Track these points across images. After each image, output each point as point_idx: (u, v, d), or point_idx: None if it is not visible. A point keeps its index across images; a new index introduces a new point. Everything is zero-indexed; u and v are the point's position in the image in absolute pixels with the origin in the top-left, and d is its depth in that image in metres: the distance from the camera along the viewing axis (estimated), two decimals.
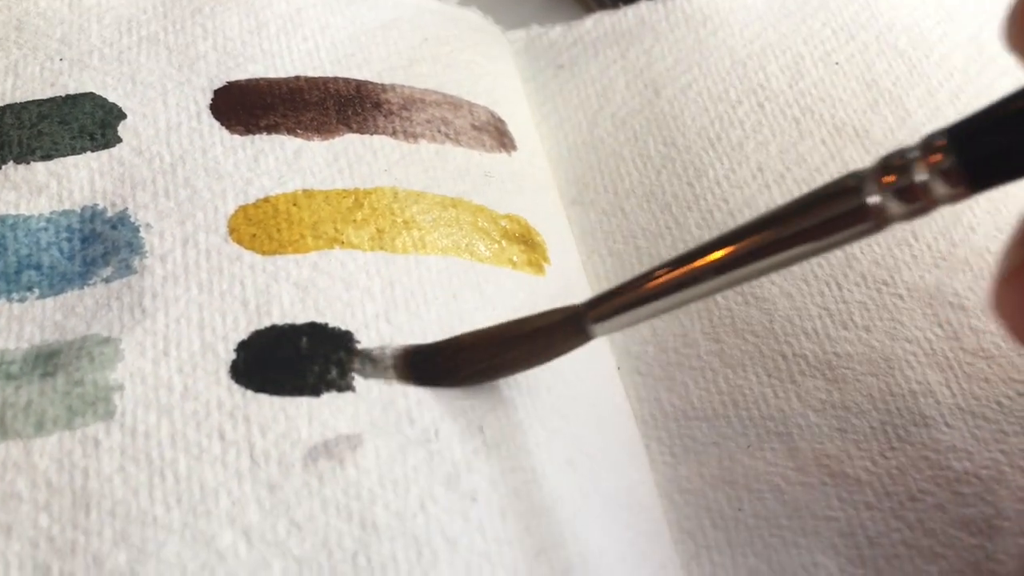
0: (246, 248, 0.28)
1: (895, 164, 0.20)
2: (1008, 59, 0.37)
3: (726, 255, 0.22)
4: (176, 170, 0.30)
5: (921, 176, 0.20)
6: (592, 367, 0.30)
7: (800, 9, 0.39)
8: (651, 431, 0.30)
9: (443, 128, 0.33)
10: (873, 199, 0.20)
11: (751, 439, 0.29)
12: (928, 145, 0.20)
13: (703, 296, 0.23)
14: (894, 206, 0.20)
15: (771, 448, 0.29)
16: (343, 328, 0.27)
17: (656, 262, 0.33)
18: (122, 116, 0.31)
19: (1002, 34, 0.21)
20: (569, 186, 0.36)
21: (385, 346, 0.27)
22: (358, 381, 0.26)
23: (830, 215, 0.21)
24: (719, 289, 0.22)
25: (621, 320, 0.24)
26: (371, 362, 0.26)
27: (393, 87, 0.34)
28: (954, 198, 0.20)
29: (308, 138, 0.32)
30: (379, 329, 0.27)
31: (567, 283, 0.32)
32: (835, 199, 0.21)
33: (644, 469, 0.29)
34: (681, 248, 0.33)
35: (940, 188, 0.20)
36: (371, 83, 0.34)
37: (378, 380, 0.26)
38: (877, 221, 0.20)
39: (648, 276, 0.23)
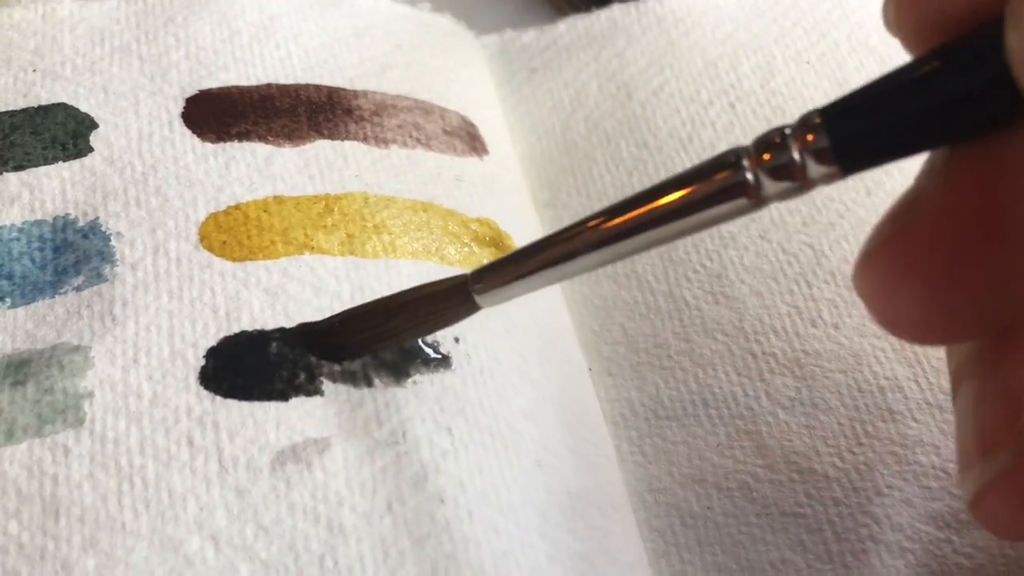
0: (216, 255, 0.29)
1: (773, 142, 0.20)
2: None
3: (606, 229, 0.22)
4: (147, 179, 0.30)
5: (795, 155, 0.20)
6: (562, 368, 0.30)
7: (771, 9, 0.39)
8: (621, 431, 0.30)
9: (414, 133, 0.34)
10: (749, 176, 0.20)
11: (721, 438, 0.29)
12: (804, 123, 0.20)
13: (586, 270, 0.23)
14: (769, 184, 0.20)
15: (740, 446, 0.29)
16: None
17: (628, 263, 0.33)
18: (94, 126, 0.32)
19: (883, 17, 0.21)
20: (542, 189, 0.36)
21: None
22: (327, 385, 0.26)
23: (707, 191, 0.21)
24: (602, 263, 0.23)
25: (507, 291, 0.24)
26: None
27: (365, 93, 0.34)
28: (828, 178, 0.20)
29: (279, 145, 0.32)
30: None
31: None
32: (713, 174, 0.21)
33: (613, 469, 0.29)
34: (652, 250, 0.33)
35: (814, 168, 0.20)
36: (343, 90, 0.34)
37: (345, 384, 0.26)
38: (753, 199, 0.20)
39: (533, 248, 0.24)
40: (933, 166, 0.20)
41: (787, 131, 0.20)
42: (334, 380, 0.26)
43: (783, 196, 0.20)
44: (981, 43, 0.18)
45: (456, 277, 0.25)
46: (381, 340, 0.27)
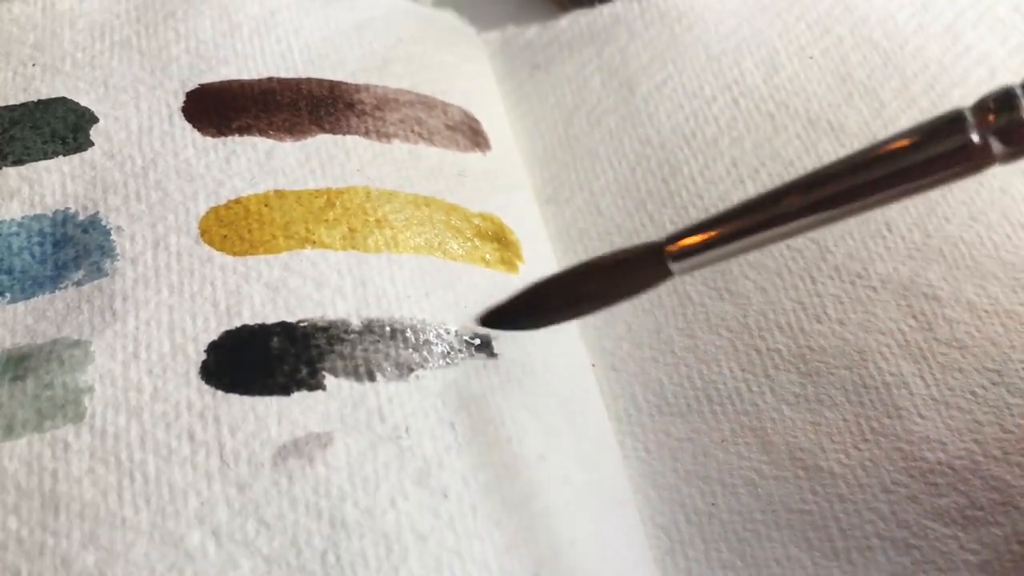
0: (217, 249, 0.28)
1: (998, 103, 0.19)
2: (983, 47, 0.37)
3: (816, 195, 0.21)
4: (148, 173, 0.30)
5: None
6: (565, 363, 0.30)
7: (775, 4, 0.39)
8: (625, 427, 0.30)
9: (416, 128, 0.33)
10: (976, 137, 0.19)
11: (725, 434, 0.29)
12: None
13: (787, 236, 0.22)
14: (996, 145, 0.19)
15: (745, 442, 0.29)
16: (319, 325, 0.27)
17: None
18: (94, 120, 0.31)
19: None
20: (544, 184, 0.36)
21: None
22: (329, 379, 0.26)
23: (932, 154, 0.20)
24: (806, 229, 0.21)
25: (704, 257, 0.23)
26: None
27: (367, 87, 0.34)
28: None
29: (280, 139, 0.32)
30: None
31: None
32: (937, 138, 0.20)
33: (617, 464, 0.29)
34: None
35: None
36: (344, 84, 0.34)
37: (348, 378, 0.26)
38: (979, 160, 0.20)
39: (732, 214, 0.22)
40: None
41: (1017, 91, 0.19)
42: (336, 375, 0.26)
43: (1007, 159, 0.20)
44: None
45: (651, 243, 0.24)
46: (573, 307, 0.26)
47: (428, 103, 0.35)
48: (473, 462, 0.25)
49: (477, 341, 0.28)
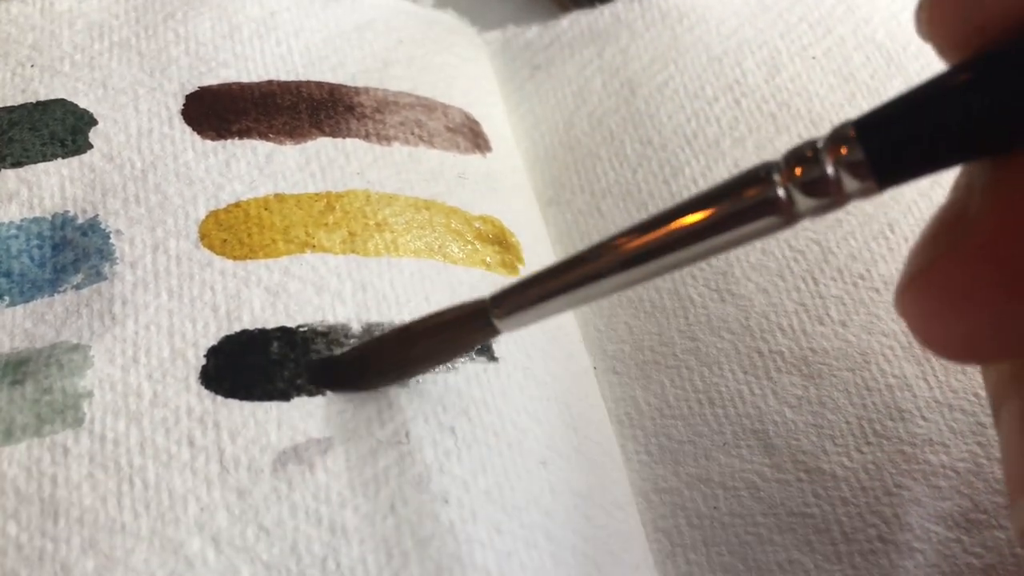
0: (216, 254, 0.28)
1: (805, 156, 0.19)
2: None
3: (631, 249, 0.21)
4: (147, 176, 0.30)
5: (830, 168, 0.19)
6: (566, 367, 0.30)
7: (777, 4, 0.39)
8: (627, 430, 0.30)
9: (417, 130, 0.33)
10: (781, 191, 0.19)
11: (727, 437, 0.29)
12: (837, 136, 0.19)
13: (609, 292, 0.22)
14: (802, 200, 0.19)
15: (747, 445, 0.29)
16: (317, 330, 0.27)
17: None
18: (93, 122, 0.31)
19: (915, 24, 0.20)
20: (545, 187, 0.36)
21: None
22: None
23: (736, 208, 0.19)
24: (628, 284, 0.21)
25: (527, 315, 0.23)
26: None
27: (367, 90, 0.34)
28: (864, 192, 0.19)
29: (280, 142, 0.31)
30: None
31: None
32: (742, 191, 0.19)
33: (618, 468, 0.29)
34: None
35: (849, 182, 0.19)
36: (344, 86, 0.34)
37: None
38: (786, 216, 0.19)
39: (554, 271, 0.22)
40: (972, 180, 0.19)
41: (819, 144, 0.19)
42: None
43: (816, 212, 0.19)
44: (1019, 51, 0.17)
45: (475, 302, 0.24)
46: (402, 369, 0.26)
47: (428, 105, 0.34)
48: (474, 467, 0.25)
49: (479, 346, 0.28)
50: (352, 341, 0.27)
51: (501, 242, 0.31)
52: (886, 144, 0.18)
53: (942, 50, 0.19)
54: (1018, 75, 0.17)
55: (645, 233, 0.21)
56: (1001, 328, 0.18)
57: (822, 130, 0.35)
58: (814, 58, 0.37)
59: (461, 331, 0.25)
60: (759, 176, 0.19)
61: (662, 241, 0.20)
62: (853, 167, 0.18)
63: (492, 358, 0.28)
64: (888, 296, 0.31)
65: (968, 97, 0.18)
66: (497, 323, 0.24)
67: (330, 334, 0.27)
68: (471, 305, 0.24)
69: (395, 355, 0.26)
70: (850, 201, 0.19)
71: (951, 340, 0.19)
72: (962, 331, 0.19)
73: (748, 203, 0.19)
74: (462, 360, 0.27)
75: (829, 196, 0.19)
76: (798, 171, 0.19)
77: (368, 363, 0.26)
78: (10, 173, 0.30)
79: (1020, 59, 0.17)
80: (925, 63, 0.37)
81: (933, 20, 0.19)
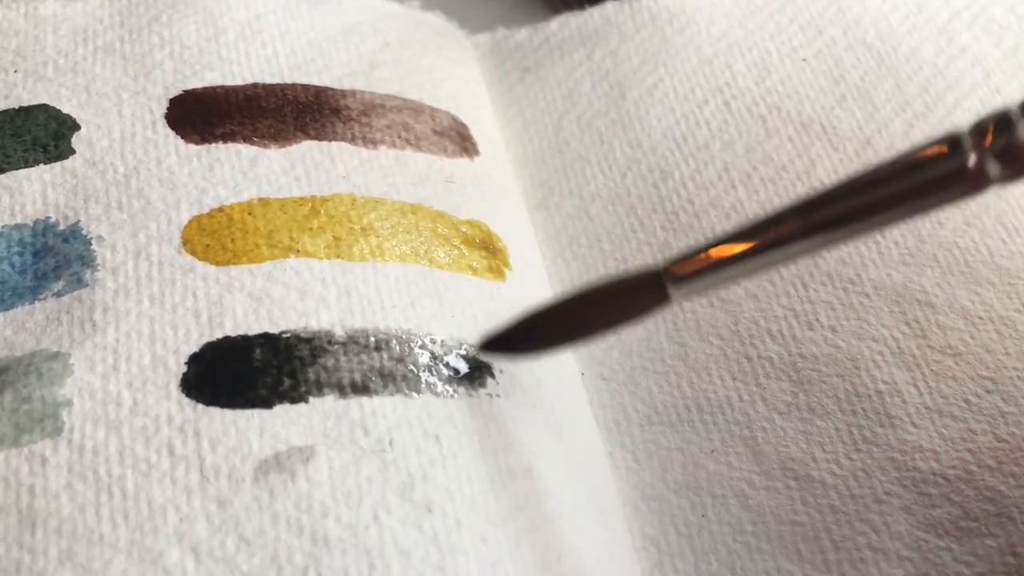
0: (199, 259, 0.28)
1: (995, 125, 0.19)
2: (977, 49, 0.36)
3: (818, 219, 0.21)
4: (130, 181, 0.30)
5: (1021, 137, 0.19)
6: (554, 373, 0.29)
7: (767, 5, 0.39)
8: (615, 437, 0.29)
9: (403, 134, 0.33)
10: (972, 161, 0.19)
11: (715, 444, 0.28)
12: None
13: (788, 260, 0.22)
14: (994, 168, 0.19)
15: (735, 452, 0.28)
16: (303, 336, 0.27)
17: (621, 265, 0.33)
18: (76, 127, 0.31)
19: None
20: (534, 190, 0.36)
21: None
22: (311, 392, 0.26)
23: (927, 177, 0.20)
24: (804, 253, 0.21)
25: (702, 282, 0.23)
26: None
27: (353, 93, 0.34)
28: None
29: (265, 146, 0.31)
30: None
31: (529, 289, 0.31)
32: (932, 161, 0.20)
33: (606, 476, 0.28)
34: (646, 251, 0.33)
35: None
36: (330, 89, 0.34)
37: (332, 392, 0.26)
38: (975, 183, 0.20)
39: (730, 238, 0.22)
40: None
41: (1012, 113, 0.19)
42: (319, 387, 0.26)
43: (1005, 180, 0.19)
44: None
45: (648, 268, 0.23)
46: (569, 335, 0.25)
47: (415, 108, 0.34)
48: (458, 475, 0.25)
49: (463, 352, 0.28)
50: (335, 348, 0.27)
51: (488, 247, 0.31)
52: None
53: None
54: None
55: (828, 203, 0.21)
56: None
57: (812, 133, 0.34)
58: (804, 60, 0.37)
59: (633, 296, 0.24)
60: (948, 146, 0.20)
61: (846, 212, 0.20)
62: None
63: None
64: (878, 301, 0.30)
65: None
66: (671, 290, 0.23)
67: (313, 340, 0.27)
68: (644, 272, 0.23)
69: (565, 320, 0.25)
70: None
71: None
72: None
73: (939, 172, 0.20)
74: (447, 367, 0.27)
75: (1019, 163, 0.19)
76: (987, 140, 0.19)
77: (539, 327, 0.26)
78: None
79: None
80: (917, 65, 0.36)
81: None
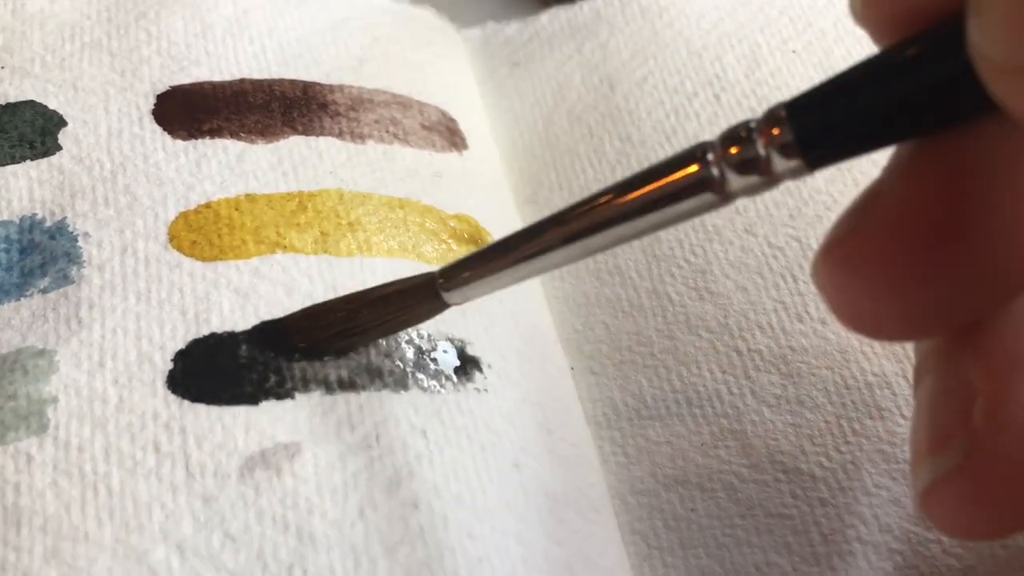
0: (186, 255, 0.28)
1: (739, 136, 0.19)
2: None
3: (573, 224, 0.22)
4: (116, 177, 0.30)
5: (760, 149, 0.19)
6: (542, 367, 0.29)
7: None
8: (604, 431, 0.29)
9: (392, 128, 0.33)
10: (714, 170, 0.20)
11: (705, 437, 0.28)
12: (770, 117, 0.19)
13: (554, 266, 0.23)
14: (734, 179, 0.20)
15: (725, 446, 0.28)
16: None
17: (610, 259, 0.33)
18: (63, 123, 0.31)
19: (850, 9, 0.20)
20: (524, 185, 0.35)
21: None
22: (297, 388, 0.26)
23: (673, 186, 0.20)
24: (571, 259, 0.22)
25: (474, 288, 0.24)
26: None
27: (341, 88, 0.34)
28: (794, 173, 0.19)
29: (252, 141, 0.31)
30: None
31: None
32: (678, 169, 0.20)
33: (594, 470, 0.28)
34: (635, 244, 0.33)
35: (779, 162, 0.19)
36: (318, 84, 0.34)
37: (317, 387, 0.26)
38: (719, 193, 0.20)
39: (501, 245, 0.23)
40: (897, 160, 0.19)
41: (752, 125, 0.19)
42: (306, 383, 0.26)
43: (750, 191, 0.20)
44: (946, 35, 0.17)
45: (424, 274, 0.25)
46: (347, 337, 0.26)
47: (404, 103, 0.34)
48: (445, 471, 0.25)
49: (451, 347, 0.27)
50: None
51: (476, 241, 0.31)
52: (815, 125, 0.19)
53: (874, 35, 0.20)
54: (943, 58, 0.17)
55: (585, 209, 0.21)
56: (906, 306, 0.19)
57: None
58: (794, 52, 0.37)
59: (410, 302, 0.25)
60: (695, 155, 0.20)
61: (602, 217, 0.21)
62: (784, 148, 0.19)
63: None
64: None
65: (893, 80, 0.18)
66: (445, 295, 0.24)
67: None
68: (420, 277, 0.25)
69: (341, 322, 0.26)
70: (782, 181, 0.19)
71: (858, 314, 0.20)
72: (868, 306, 0.19)
73: (684, 181, 0.20)
74: (434, 361, 0.27)
75: (760, 175, 0.19)
76: (733, 150, 0.19)
77: (313, 327, 0.26)
78: None
79: (946, 42, 0.17)
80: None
81: (866, 3, 0.19)
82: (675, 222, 0.21)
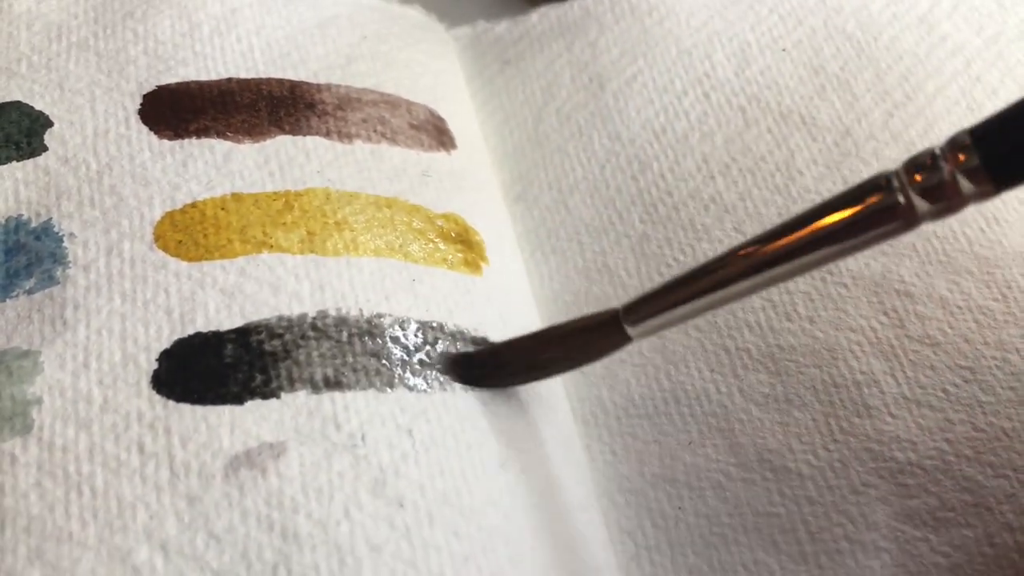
0: (171, 255, 0.28)
1: (923, 163, 0.21)
2: (958, 37, 0.36)
3: (757, 258, 0.22)
4: (102, 178, 0.30)
5: (947, 175, 0.20)
6: None
7: None
8: (592, 430, 0.29)
9: (379, 127, 0.33)
10: (901, 198, 0.21)
11: (693, 436, 0.28)
12: (954, 144, 0.20)
13: (738, 298, 0.23)
14: (922, 204, 0.21)
15: (713, 444, 0.28)
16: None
17: (599, 258, 0.33)
18: (49, 124, 0.31)
19: None
20: (513, 183, 0.35)
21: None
22: (283, 387, 0.25)
23: (860, 215, 0.21)
24: (752, 291, 0.23)
25: (658, 321, 0.24)
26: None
27: (329, 87, 0.34)
28: (981, 196, 0.20)
29: (239, 141, 0.31)
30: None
31: (505, 282, 0.31)
32: (864, 199, 0.21)
33: (582, 468, 0.28)
34: (624, 244, 0.33)
35: (966, 187, 0.20)
36: (306, 83, 0.33)
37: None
38: (907, 220, 0.21)
39: (682, 280, 0.24)
40: None
41: (937, 152, 0.20)
42: (291, 382, 0.26)
43: (935, 216, 0.21)
44: None
45: (608, 311, 0.25)
46: (532, 371, 0.27)
47: (392, 102, 0.34)
48: (431, 470, 0.25)
49: (438, 346, 0.27)
50: (308, 342, 0.26)
51: (464, 240, 0.31)
52: (1001, 150, 0.20)
53: None
54: None
55: (771, 241, 0.22)
56: None
57: (791, 123, 0.34)
58: (784, 50, 0.37)
59: (593, 338, 0.25)
60: (880, 184, 0.21)
61: (787, 249, 0.22)
62: (970, 173, 0.20)
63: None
64: (856, 291, 0.30)
65: None
66: (629, 330, 0.25)
67: (286, 335, 0.26)
68: (604, 314, 0.25)
69: (527, 357, 0.27)
70: (968, 205, 0.21)
71: None
72: None
73: (872, 209, 0.21)
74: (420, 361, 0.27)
75: (947, 200, 0.21)
76: (917, 178, 0.21)
77: (500, 363, 0.27)
78: None
79: None
80: (897, 54, 0.36)
81: None
82: (858, 250, 0.22)
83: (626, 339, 0.25)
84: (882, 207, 0.21)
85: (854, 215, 0.21)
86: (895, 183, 0.21)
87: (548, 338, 0.27)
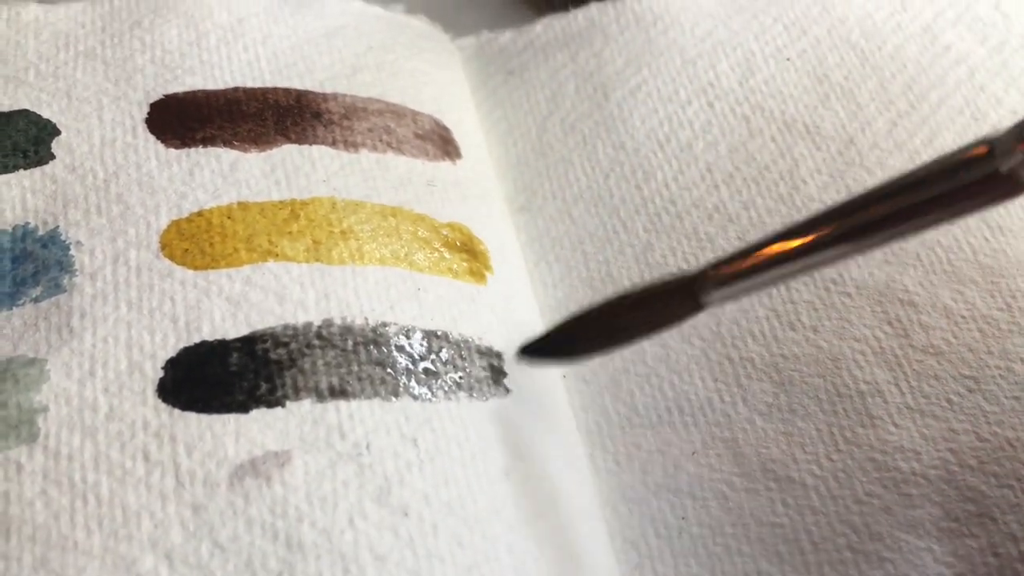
0: (177, 264, 0.28)
1: None
2: (962, 47, 0.36)
3: (853, 222, 0.21)
4: (109, 186, 0.30)
5: None
6: (534, 376, 0.29)
7: (751, 5, 0.38)
8: (596, 439, 0.29)
9: (385, 137, 0.33)
10: (1007, 164, 0.19)
11: (696, 446, 0.28)
12: None
13: (820, 266, 0.22)
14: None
15: (716, 454, 0.28)
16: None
17: (603, 268, 0.33)
18: (56, 132, 0.31)
19: None
20: (517, 193, 0.35)
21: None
22: (288, 396, 0.26)
23: (963, 181, 0.20)
24: (839, 258, 0.22)
25: (732, 288, 0.23)
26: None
27: (335, 96, 0.34)
28: None
29: (245, 150, 0.31)
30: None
31: (510, 292, 0.31)
32: (968, 165, 0.20)
33: (585, 478, 0.28)
34: (628, 253, 0.33)
35: None
36: (312, 93, 0.34)
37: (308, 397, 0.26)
38: (1010, 187, 0.20)
39: (767, 241, 0.22)
40: None
41: None
42: (296, 391, 0.26)
43: None
44: None
45: (681, 275, 0.24)
46: (607, 340, 0.26)
47: (397, 112, 0.34)
48: (435, 479, 0.25)
49: (442, 355, 0.27)
50: (313, 351, 0.26)
51: (469, 250, 0.31)
52: None
53: None
54: None
55: (867, 206, 0.21)
56: None
57: (795, 132, 0.34)
58: (788, 60, 0.37)
59: (666, 305, 0.24)
60: (983, 151, 0.20)
61: (883, 215, 0.21)
62: None
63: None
64: (860, 300, 0.30)
65: None
66: (703, 297, 0.23)
67: (291, 344, 0.27)
68: (677, 279, 0.24)
69: (601, 327, 0.26)
70: None
71: None
72: None
73: (974, 176, 0.20)
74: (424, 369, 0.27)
75: None
76: (1022, 147, 0.19)
77: (575, 334, 0.26)
78: None
79: None
80: (901, 64, 0.36)
81: None
82: (957, 218, 0.21)
83: (699, 307, 0.24)
84: (986, 173, 0.20)
85: (958, 182, 0.20)
86: (1001, 149, 0.20)
87: (620, 306, 0.25)
